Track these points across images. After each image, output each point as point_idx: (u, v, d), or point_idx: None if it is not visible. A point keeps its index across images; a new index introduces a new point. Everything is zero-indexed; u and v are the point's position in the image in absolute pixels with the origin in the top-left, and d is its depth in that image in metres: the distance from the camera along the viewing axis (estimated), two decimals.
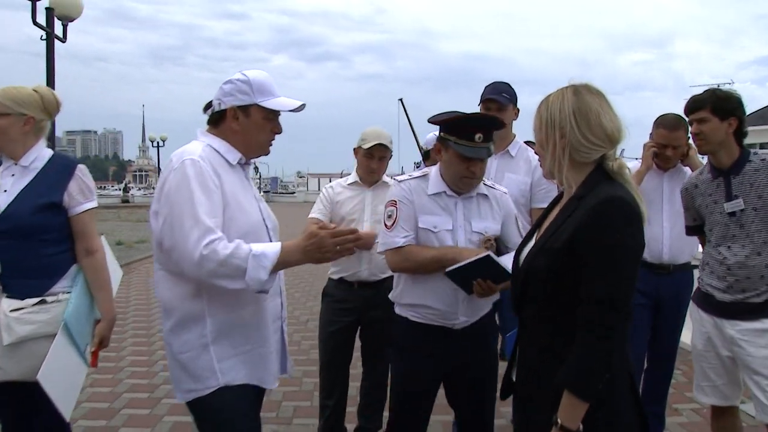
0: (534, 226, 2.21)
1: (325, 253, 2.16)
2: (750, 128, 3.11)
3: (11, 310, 2.57)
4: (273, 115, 2.37)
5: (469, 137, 2.70)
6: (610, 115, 1.93)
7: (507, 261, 2.59)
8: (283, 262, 2.15)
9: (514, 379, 2.14)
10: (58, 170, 2.77)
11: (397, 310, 2.96)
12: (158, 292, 2.35)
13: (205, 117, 2.45)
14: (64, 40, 9.52)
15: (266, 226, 2.40)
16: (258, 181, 62.05)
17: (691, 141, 3.60)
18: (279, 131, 2.42)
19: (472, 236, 2.83)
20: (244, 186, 2.37)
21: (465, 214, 2.85)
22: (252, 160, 2.49)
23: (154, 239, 2.27)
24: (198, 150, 2.24)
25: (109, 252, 2.99)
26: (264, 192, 54.51)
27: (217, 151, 2.31)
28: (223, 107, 2.33)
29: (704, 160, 3.74)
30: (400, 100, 58.46)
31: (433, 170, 2.90)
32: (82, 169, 2.83)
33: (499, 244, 2.88)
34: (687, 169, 3.77)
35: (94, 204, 2.86)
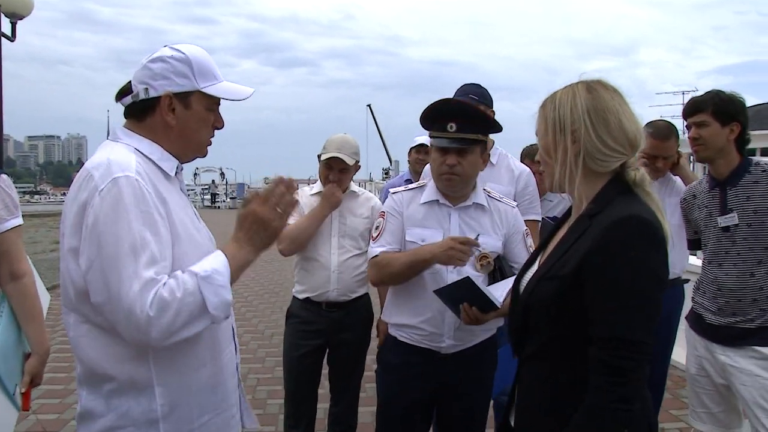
0: (537, 249, 1.91)
1: (269, 227, 1.74)
2: None
3: None
4: (216, 105, 1.86)
5: (442, 128, 2.55)
6: (629, 115, 1.64)
7: (498, 289, 2.36)
8: (237, 269, 1.70)
9: (512, 424, 1.84)
10: None
11: (389, 329, 2.81)
12: (80, 352, 1.72)
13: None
14: (12, 38, 9.09)
15: None
16: (225, 187, 61.27)
17: (681, 148, 3.39)
18: (221, 126, 1.90)
19: None
20: (186, 204, 1.85)
21: (461, 226, 2.62)
22: (191, 169, 2.01)
23: (69, 285, 1.68)
24: (132, 161, 1.66)
25: (35, 275, 2.62)
26: (231, 198, 53.56)
27: (150, 159, 1.75)
28: (153, 94, 1.75)
29: (694, 166, 3.52)
30: (369, 106, 58.58)
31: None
32: (5, 180, 2.46)
33: (503, 264, 2.61)
34: (677, 179, 3.55)
35: (19, 221, 2.48)
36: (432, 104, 2.60)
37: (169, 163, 1.80)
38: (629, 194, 1.62)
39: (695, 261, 3.74)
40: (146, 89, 1.76)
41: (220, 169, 66.76)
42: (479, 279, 2.50)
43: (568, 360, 1.59)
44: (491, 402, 2.93)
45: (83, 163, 1.79)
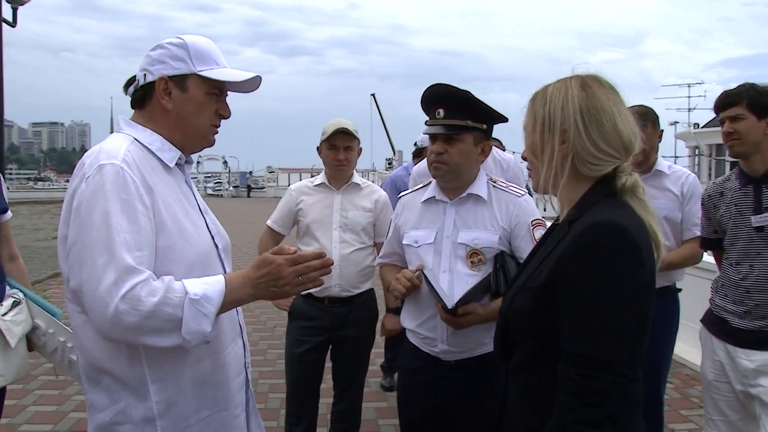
0: (527, 258, 1.79)
1: (282, 287, 1.65)
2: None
3: (2, 315, 2.54)
4: (217, 90, 1.80)
5: (431, 114, 2.48)
6: (625, 116, 1.52)
7: (464, 289, 2.30)
8: (229, 303, 1.62)
9: None
10: None
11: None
12: (79, 343, 1.72)
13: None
14: (14, 24, 9.00)
15: (216, 248, 1.84)
16: (228, 175, 61.41)
17: (713, 141, 3.26)
18: (226, 115, 1.85)
19: (458, 249, 2.45)
20: (186, 196, 1.80)
21: (456, 221, 2.49)
22: (194, 157, 1.93)
23: (63, 274, 1.69)
24: (121, 149, 1.64)
25: None
26: (234, 187, 53.76)
27: (148, 148, 1.73)
28: (150, 79, 1.74)
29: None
30: (373, 95, 58.63)
31: None
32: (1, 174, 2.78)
33: (506, 261, 2.41)
34: (665, 168, 3.36)
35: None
36: (424, 91, 2.51)
37: (170, 154, 1.77)
38: (614, 200, 1.50)
39: (706, 258, 3.55)
40: (145, 75, 1.76)
41: (223, 158, 66.85)
42: (473, 278, 2.40)
43: (548, 374, 1.46)
44: None
45: (86, 150, 1.77)
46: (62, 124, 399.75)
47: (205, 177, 65.34)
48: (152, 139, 1.75)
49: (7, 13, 8.90)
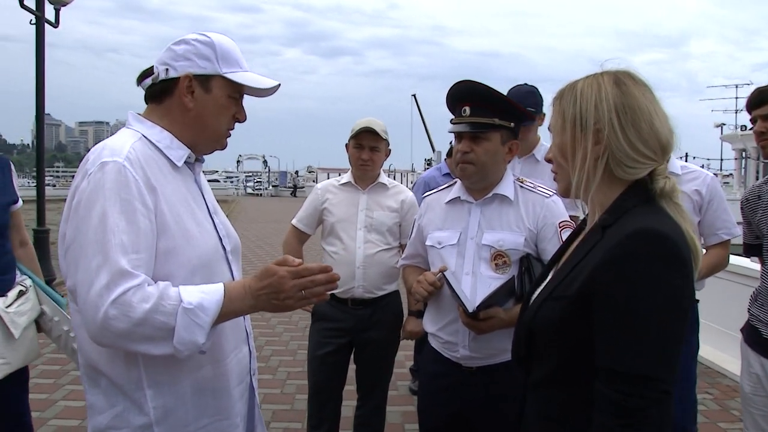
0: (549, 263, 1.69)
1: (284, 300, 1.55)
2: None
3: (6, 306, 2.63)
4: (238, 94, 1.76)
5: (457, 113, 2.42)
6: (661, 115, 1.41)
7: (486, 293, 2.23)
8: (227, 314, 1.55)
9: None
10: (1, 168, 2.81)
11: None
12: (78, 343, 1.68)
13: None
14: (56, 25, 9.12)
15: (224, 250, 1.77)
16: (267, 175, 62.01)
17: (748, 143, 3.10)
18: (242, 119, 1.79)
19: (482, 251, 2.37)
20: (193, 196, 1.73)
21: (481, 222, 2.41)
22: (207, 158, 1.87)
23: (62, 272, 1.63)
24: (125, 146, 1.58)
25: None
26: (273, 186, 54.31)
27: (156, 146, 1.67)
28: (172, 75, 1.68)
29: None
30: (414, 95, 58.48)
31: None
32: (12, 166, 2.87)
33: (532, 264, 2.32)
34: (677, 168, 3.15)
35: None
36: (449, 88, 2.44)
37: (178, 152, 1.71)
38: (650, 204, 1.39)
39: (753, 265, 3.38)
40: (167, 70, 1.69)
41: (263, 157, 67.55)
42: (496, 281, 2.31)
43: (575, 392, 1.39)
44: None
45: None
46: (107, 123, 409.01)
47: (246, 176, 66.29)
48: (161, 136, 1.69)
49: (50, 14, 9.08)
